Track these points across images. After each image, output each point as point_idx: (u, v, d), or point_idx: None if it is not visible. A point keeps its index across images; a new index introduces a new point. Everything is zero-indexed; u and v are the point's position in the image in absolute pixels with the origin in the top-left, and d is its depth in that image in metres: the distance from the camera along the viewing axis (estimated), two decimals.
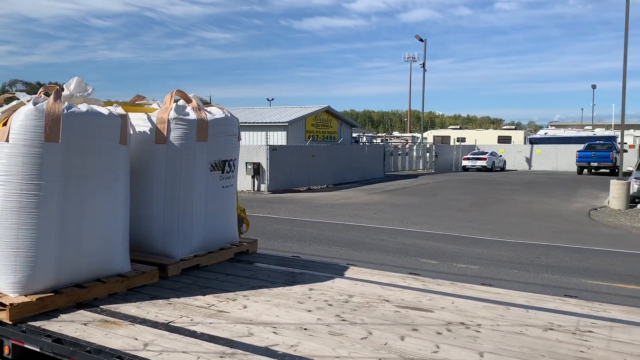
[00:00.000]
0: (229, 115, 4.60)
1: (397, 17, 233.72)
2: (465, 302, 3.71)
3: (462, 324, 3.27)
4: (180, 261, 4.24)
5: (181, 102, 4.36)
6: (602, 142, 35.13)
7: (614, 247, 10.89)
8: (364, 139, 43.97)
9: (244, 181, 21.24)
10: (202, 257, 4.46)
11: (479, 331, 3.14)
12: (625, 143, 32.35)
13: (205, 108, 4.47)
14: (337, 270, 4.57)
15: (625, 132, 28.66)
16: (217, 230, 4.58)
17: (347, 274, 4.46)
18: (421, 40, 45.24)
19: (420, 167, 38.89)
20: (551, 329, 3.19)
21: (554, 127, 70.94)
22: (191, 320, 3.23)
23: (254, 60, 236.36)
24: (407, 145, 39.90)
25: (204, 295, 3.74)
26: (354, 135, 40.13)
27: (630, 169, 22.50)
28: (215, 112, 4.48)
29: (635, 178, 18.36)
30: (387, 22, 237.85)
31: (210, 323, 3.18)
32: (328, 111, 30.64)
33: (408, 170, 36.81)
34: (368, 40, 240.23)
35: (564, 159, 38.57)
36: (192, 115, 4.19)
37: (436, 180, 28.08)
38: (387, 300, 3.70)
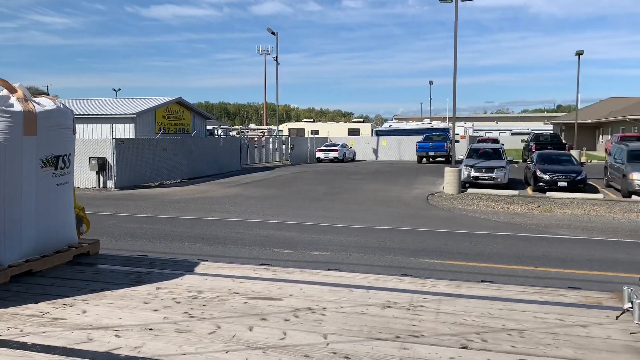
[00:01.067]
0: (61, 106, 4.24)
1: (249, 9, 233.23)
2: (313, 288, 3.86)
3: (309, 309, 3.40)
4: (8, 267, 3.85)
5: (5, 92, 3.93)
6: (437, 133, 38.62)
7: (448, 228, 12.09)
8: (220, 132, 43.41)
9: (87, 178, 19.75)
10: (34, 261, 4.09)
11: (324, 314, 3.30)
12: (457, 134, 35.93)
13: (34, 99, 4.08)
14: (186, 267, 4.48)
15: (457, 124, 31.81)
16: (52, 232, 4.23)
17: (198, 269, 4.40)
18: (273, 33, 45.68)
19: (277, 159, 39.46)
20: (388, 307, 3.45)
21: (397, 120, 76.34)
22: (21, 331, 2.95)
23: (97, 48, 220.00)
24: (263, 138, 40.19)
25: (37, 303, 3.44)
26: (209, 127, 39.38)
27: (461, 157, 25.06)
28: (45, 104, 4.11)
29: (465, 165, 20.50)
30: (239, 14, 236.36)
31: (44, 332, 2.93)
32: (180, 102, 29.67)
33: (265, 163, 37.13)
34: (221, 31, 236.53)
35: (406, 149, 41.73)
36: (18, 107, 3.81)
37: (292, 172, 28.71)
38: (237, 293, 3.72)
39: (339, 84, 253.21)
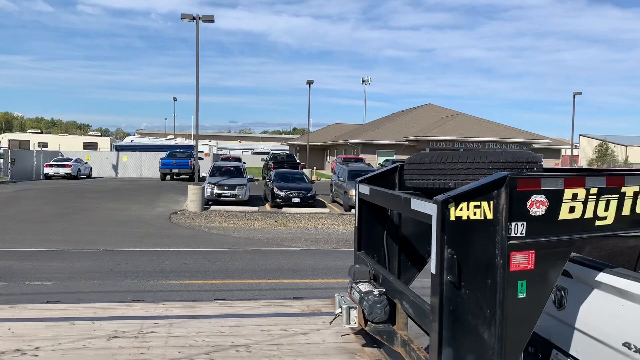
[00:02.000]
0: None
1: None
2: (25, 326, 3.37)
3: (18, 350, 2.95)
4: None
5: None
6: (182, 150, 38.32)
7: (189, 247, 12.02)
8: None
9: None
10: None
11: (36, 355, 2.90)
12: (201, 152, 36.25)
13: None
14: None
15: (201, 141, 32.10)
16: None
17: None
18: None
19: None
20: (115, 337, 3.22)
21: (140, 135, 73.35)
22: None
23: None
24: None
25: None
26: None
27: (205, 174, 25.33)
28: None
29: (208, 183, 20.76)
30: None
31: None
32: None
33: None
34: None
35: (150, 166, 40.32)
36: None
37: (12, 190, 25.00)
38: None
39: (75, 92, 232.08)
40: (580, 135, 76.73)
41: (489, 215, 2.36)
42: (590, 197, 2.58)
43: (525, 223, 2.40)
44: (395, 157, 42.56)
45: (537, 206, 2.44)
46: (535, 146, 42.64)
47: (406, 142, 45.39)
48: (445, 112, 52.66)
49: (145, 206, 19.91)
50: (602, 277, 2.83)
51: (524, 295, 2.42)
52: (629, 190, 2.70)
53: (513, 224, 2.38)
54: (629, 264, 3.93)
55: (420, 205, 2.54)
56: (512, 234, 2.38)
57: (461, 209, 2.33)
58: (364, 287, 3.14)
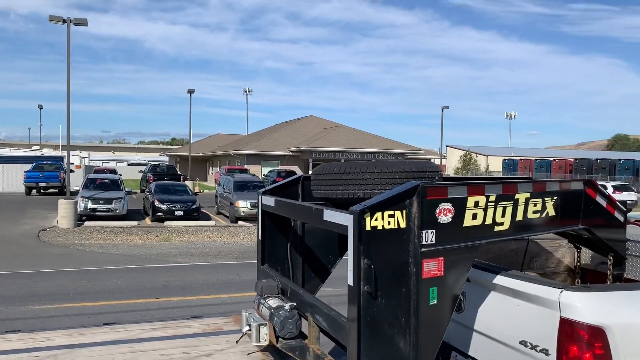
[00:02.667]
0: None
1: None
2: None
3: None
4: None
5: None
6: (50, 162, 35.28)
7: (63, 267, 11.02)
8: None
9: None
10: None
11: None
12: (72, 163, 33.67)
13: None
14: None
15: (72, 152, 29.83)
16: None
17: None
18: None
19: None
20: None
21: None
22: None
23: None
24: None
25: None
26: None
27: (77, 188, 23.52)
28: None
29: (81, 197, 19.28)
30: None
31: None
32: None
33: None
34: None
35: (12, 179, 36.59)
36: None
37: None
38: None
39: None
40: (447, 146, 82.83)
41: (403, 224, 2.40)
42: (489, 204, 2.73)
43: (434, 231, 2.47)
44: (279, 167, 42.81)
45: (445, 214, 2.53)
46: (409, 156, 45.25)
47: (290, 153, 45.87)
48: (327, 123, 54.09)
49: (9, 223, 17.99)
50: (499, 279, 2.99)
51: (435, 302, 2.48)
52: (521, 197, 2.89)
53: (424, 232, 2.43)
54: (515, 265, 4.24)
55: (334, 216, 2.51)
56: (424, 242, 2.43)
57: (376, 219, 2.33)
58: (273, 302, 3.05)
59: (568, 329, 2.61)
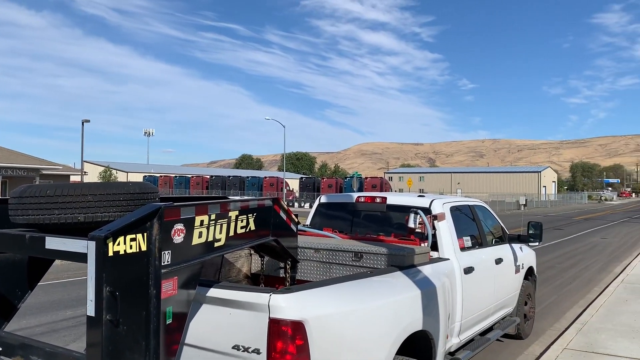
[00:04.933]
0: None
1: None
2: None
3: None
4: None
5: None
6: None
7: None
8: None
9: None
10: None
11: None
12: None
13: None
14: None
15: None
16: None
17: None
18: None
19: None
20: None
21: None
22: None
23: None
24: None
25: None
26: None
27: None
28: None
29: None
30: None
31: None
32: None
33: None
34: None
35: None
36: None
37: None
38: None
39: None
40: (84, 161, 78.44)
41: (143, 247, 2.38)
42: (211, 222, 2.94)
43: (170, 251, 2.53)
44: None
45: (178, 234, 2.62)
46: (45, 172, 40.97)
47: None
48: None
49: None
50: (212, 292, 3.22)
51: (171, 321, 2.54)
52: (232, 215, 3.20)
53: (163, 253, 2.47)
54: (208, 277, 4.52)
55: (64, 244, 2.30)
56: (163, 263, 2.47)
57: (119, 244, 2.26)
58: None
59: (275, 327, 3.02)
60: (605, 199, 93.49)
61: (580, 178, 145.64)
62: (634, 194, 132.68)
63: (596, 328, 6.68)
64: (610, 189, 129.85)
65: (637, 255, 14.72)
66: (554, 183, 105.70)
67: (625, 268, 12.14)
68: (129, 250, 2.30)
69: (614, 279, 10.61)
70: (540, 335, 6.81)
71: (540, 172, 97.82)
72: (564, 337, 6.35)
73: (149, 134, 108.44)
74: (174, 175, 68.37)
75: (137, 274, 2.35)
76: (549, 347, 6.06)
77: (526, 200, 50.06)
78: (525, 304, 6.63)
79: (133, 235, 2.33)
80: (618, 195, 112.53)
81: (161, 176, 66.83)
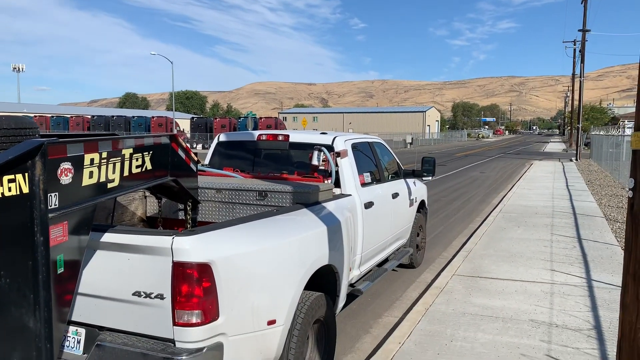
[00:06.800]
0: None
1: None
2: None
3: None
4: None
5: None
6: None
7: None
8: None
9: None
10: None
11: None
12: None
13: None
14: None
15: None
16: None
17: None
18: None
19: None
20: None
21: None
22: None
23: None
24: None
25: None
26: None
27: None
28: None
29: None
30: None
31: None
32: None
33: None
34: None
35: None
36: None
37: None
38: None
39: None
40: None
41: (25, 190, 2.09)
42: (102, 161, 2.66)
43: (57, 193, 2.26)
44: None
45: (66, 174, 2.33)
46: None
47: None
48: None
49: None
50: (108, 237, 2.96)
51: (62, 270, 2.29)
52: (126, 153, 2.92)
53: (49, 195, 2.19)
54: (103, 221, 4.19)
55: None
56: (49, 207, 2.19)
57: None
58: None
59: (180, 271, 2.86)
60: (483, 137, 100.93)
61: (461, 117, 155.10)
62: (507, 131, 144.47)
63: (480, 254, 7.24)
64: (487, 127, 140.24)
65: (512, 187, 16.11)
66: (437, 122, 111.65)
67: (502, 199, 13.24)
68: (7, 193, 2.01)
69: (493, 210, 11.54)
70: (431, 264, 7.26)
71: (425, 112, 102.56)
72: (452, 264, 6.81)
73: (19, 69, 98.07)
74: (50, 115, 62.90)
75: (19, 219, 2.06)
76: (439, 274, 6.49)
77: (412, 138, 52.52)
78: (418, 235, 6.99)
79: (11, 176, 2.02)
80: (493, 133, 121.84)
81: (35, 116, 61.14)
